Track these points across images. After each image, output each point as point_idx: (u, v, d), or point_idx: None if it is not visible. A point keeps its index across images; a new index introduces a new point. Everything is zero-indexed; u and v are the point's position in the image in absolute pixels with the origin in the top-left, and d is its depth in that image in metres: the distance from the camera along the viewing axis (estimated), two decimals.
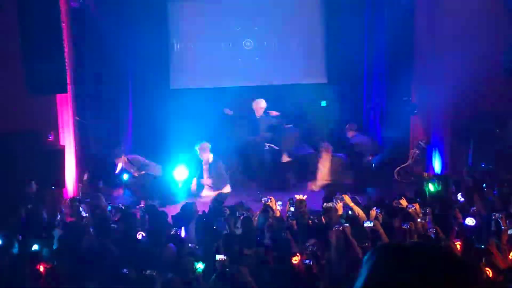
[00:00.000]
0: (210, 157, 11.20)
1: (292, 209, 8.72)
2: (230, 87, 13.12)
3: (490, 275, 5.94)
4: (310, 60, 13.21)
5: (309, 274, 6.29)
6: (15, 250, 7.07)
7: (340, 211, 8.44)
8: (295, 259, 6.65)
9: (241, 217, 8.32)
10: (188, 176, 11.57)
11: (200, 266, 6.33)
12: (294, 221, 8.05)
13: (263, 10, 12.96)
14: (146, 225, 8.46)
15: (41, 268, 6.45)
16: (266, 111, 12.20)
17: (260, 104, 12.15)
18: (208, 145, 11.18)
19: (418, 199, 8.99)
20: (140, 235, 7.83)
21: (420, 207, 8.20)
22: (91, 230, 7.87)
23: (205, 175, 11.30)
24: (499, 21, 10.18)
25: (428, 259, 1.45)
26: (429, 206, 8.56)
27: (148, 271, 6.10)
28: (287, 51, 13.13)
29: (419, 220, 7.78)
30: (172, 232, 7.78)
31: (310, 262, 6.29)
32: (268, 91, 13.09)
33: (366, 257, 1.54)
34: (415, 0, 12.40)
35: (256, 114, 11.96)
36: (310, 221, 8.30)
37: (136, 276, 6.27)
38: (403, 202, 8.38)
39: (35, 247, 7.12)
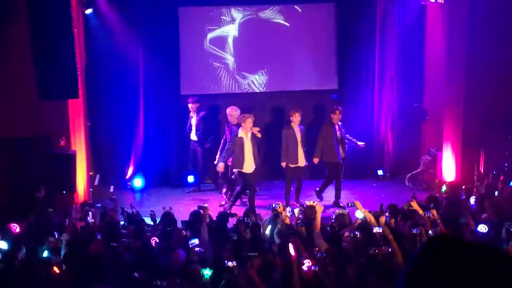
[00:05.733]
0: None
1: (301, 216, 8.68)
2: (240, 93, 13.11)
3: None
4: (321, 66, 13.17)
5: (316, 281, 6.24)
6: (23, 255, 7.08)
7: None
8: (305, 266, 6.61)
9: (250, 223, 8.30)
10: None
11: (207, 272, 6.30)
12: (303, 228, 8.00)
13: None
14: (157, 230, 8.45)
15: (50, 273, 6.46)
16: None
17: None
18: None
19: (431, 206, 8.91)
20: (153, 241, 7.80)
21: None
22: (100, 235, 7.87)
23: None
24: (509, 27, 10.12)
25: (484, 257, 1.39)
26: (441, 212, 8.48)
27: (159, 282, 6.06)
28: (299, 57, 13.10)
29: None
30: (181, 237, 7.77)
31: (316, 268, 6.24)
32: (279, 97, 13.08)
33: (419, 247, 1.48)
34: (426, 6, 12.37)
35: None
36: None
37: (146, 282, 6.26)
38: (414, 205, 8.26)
39: (45, 253, 7.13)
